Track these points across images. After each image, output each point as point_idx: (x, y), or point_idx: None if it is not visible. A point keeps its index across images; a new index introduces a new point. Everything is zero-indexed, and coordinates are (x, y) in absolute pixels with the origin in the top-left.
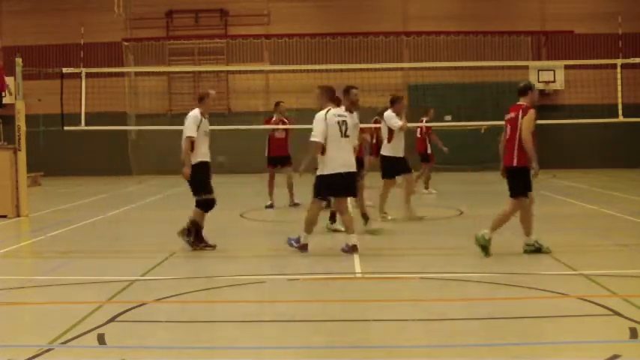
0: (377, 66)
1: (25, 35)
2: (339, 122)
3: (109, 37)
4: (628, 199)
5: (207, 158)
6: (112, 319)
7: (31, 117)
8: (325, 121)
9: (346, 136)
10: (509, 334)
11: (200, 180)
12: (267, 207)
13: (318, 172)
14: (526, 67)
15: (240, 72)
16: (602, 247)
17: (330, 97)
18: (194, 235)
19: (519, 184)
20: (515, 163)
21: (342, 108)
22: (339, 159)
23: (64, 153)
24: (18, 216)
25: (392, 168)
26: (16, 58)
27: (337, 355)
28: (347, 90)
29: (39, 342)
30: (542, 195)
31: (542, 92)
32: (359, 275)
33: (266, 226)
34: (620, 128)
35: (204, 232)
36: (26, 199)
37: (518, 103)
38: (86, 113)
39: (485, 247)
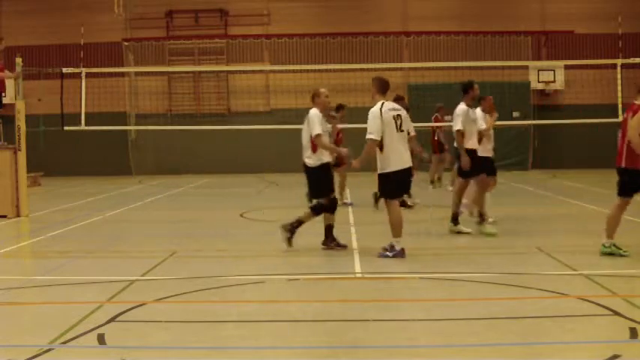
0: (377, 66)
1: (25, 35)
2: (394, 117)
3: (109, 37)
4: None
5: (329, 158)
6: (112, 319)
7: (31, 117)
8: (381, 117)
9: (401, 130)
10: (509, 334)
11: (325, 181)
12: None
13: (380, 171)
14: (526, 67)
15: (240, 72)
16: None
17: (382, 89)
18: (328, 236)
19: (624, 185)
20: (622, 164)
21: (397, 104)
22: (398, 155)
23: (64, 153)
24: (18, 216)
25: (478, 167)
26: (16, 58)
27: (337, 355)
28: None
29: (39, 342)
30: (542, 195)
31: (542, 92)
32: (359, 275)
33: (266, 226)
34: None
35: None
36: (26, 199)
37: (635, 102)
38: (86, 113)
39: (615, 251)
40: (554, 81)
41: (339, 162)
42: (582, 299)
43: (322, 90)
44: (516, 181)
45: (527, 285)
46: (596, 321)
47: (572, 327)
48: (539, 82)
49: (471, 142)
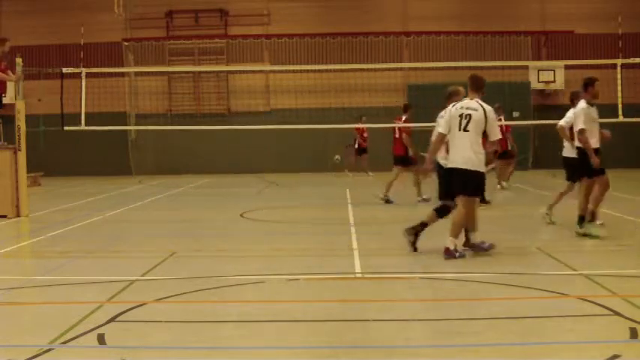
0: (377, 66)
1: (25, 35)
2: (461, 115)
3: (109, 37)
4: (628, 199)
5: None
6: (112, 319)
7: (31, 117)
8: (449, 113)
9: (465, 130)
10: (509, 334)
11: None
12: (421, 201)
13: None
14: (526, 67)
15: (240, 72)
16: (602, 247)
17: (473, 86)
18: (417, 232)
19: None
20: None
21: (474, 101)
22: (453, 153)
23: (64, 153)
24: (18, 216)
25: (575, 171)
26: (16, 58)
27: (337, 355)
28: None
29: (39, 342)
30: (542, 195)
31: (542, 92)
32: (359, 275)
33: (266, 226)
34: (620, 128)
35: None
36: (26, 199)
37: None
38: (86, 113)
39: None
40: (554, 81)
41: (412, 160)
42: (582, 299)
43: (460, 89)
44: (516, 181)
45: (527, 285)
46: (596, 321)
47: (572, 327)
48: (539, 82)
49: (594, 141)
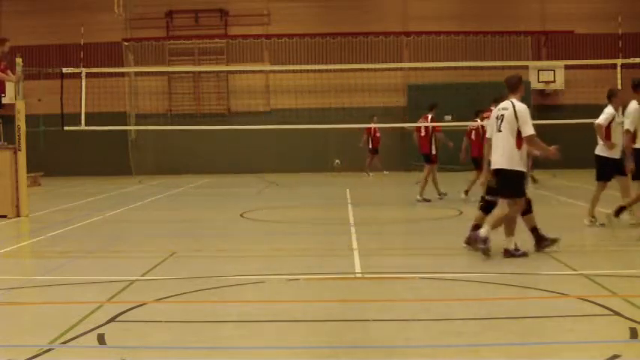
0: (377, 66)
1: (25, 35)
2: (497, 116)
3: (109, 37)
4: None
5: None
6: (112, 319)
7: (31, 117)
8: (491, 116)
9: (499, 130)
10: (509, 334)
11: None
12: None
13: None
14: (526, 67)
15: (240, 72)
16: (602, 247)
17: (510, 88)
18: (537, 238)
19: None
20: None
21: (508, 101)
22: (493, 154)
23: (64, 153)
24: (18, 216)
25: (605, 170)
26: (16, 58)
27: (337, 355)
28: None
29: (39, 342)
30: (542, 195)
31: (542, 92)
32: (359, 275)
33: (266, 226)
34: (620, 128)
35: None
36: (26, 199)
37: None
38: (86, 113)
39: None
40: (554, 81)
41: (434, 159)
42: (582, 299)
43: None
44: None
45: (527, 285)
46: (596, 321)
47: (572, 327)
48: (539, 82)
49: None
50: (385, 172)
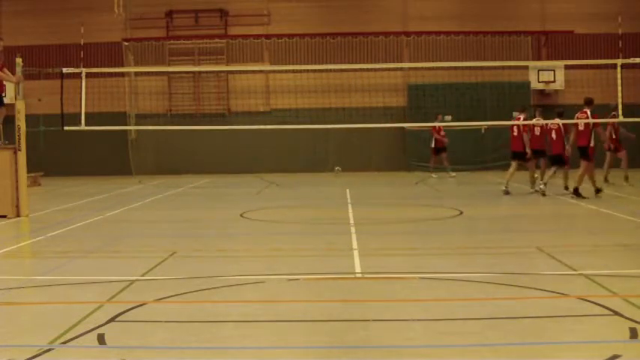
0: (377, 66)
1: (25, 35)
2: None
3: (109, 37)
4: (628, 199)
5: None
6: (112, 319)
7: (31, 117)
8: None
9: None
10: (509, 334)
11: None
12: (532, 192)
13: None
14: (526, 67)
15: (240, 72)
16: (602, 247)
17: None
18: None
19: None
20: None
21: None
22: None
23: (64, 153)
24: (18, 216)
25: None
26: (16, 58)
27: (337, 355)
28: None
29: (39, 342)
30: (546, 197)
31: (542, 92)
32: (359, 275)
33: (266, 226)
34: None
35: None
36: (26, 199)
37: None
38: (86, 113)
39: None
40: (554, 81)
41: (527, 156)
42: (582, 299)
43: None
44: (516, 181)
45: (527, 285)
46: (596, 321)
47: (572, 327)
48: (539, 82)
49: None
50: (452, 174)
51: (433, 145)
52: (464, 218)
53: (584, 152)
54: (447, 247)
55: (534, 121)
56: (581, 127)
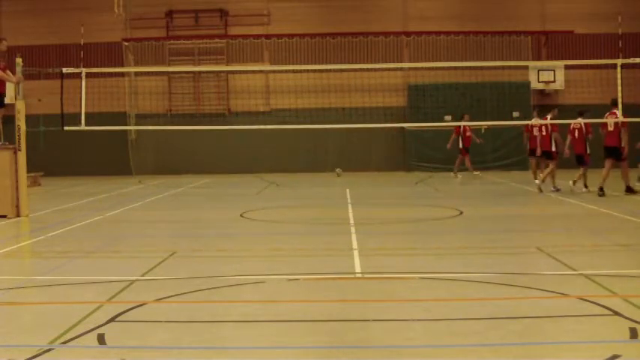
0: (377, 66)
1: (25, 35)
2: None
3: (109, 37)
4: (628, 199)
5: None
6: (112, 319)
7: (31, 117)
8: None
9: None
10: (509, 334)
11: None
12: (554, 190)
13: None
14: (526, 67)
15: (240, 72)
16: (602, 247)
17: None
18: None
19: None
20: None
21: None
22: None
23: (64, 153)
24: (18, 216)
25: None
26: (16, 58)
27: (337, 355)
28: None
29: (39, 342)
30: (543, 195)
31: (542, 92)
32: (359, 275)
33: (266, 226)
34: None
35: None
36: (26, 199)
37: None
38: (86, 113)
39: None
40: (554, 81)
41: (554, 155)
42: (582, 299)
43: None
44: (516, 181)
45: (527, 285)
46: (596, 321)
47: (572, 327)
48: (539, 82)
49: None
50: (476, 173)
51: (462, 145)
52: (464, 218)
53: (614, 152)
54: (447, 247)
55: (532, 121)
56: (610, 128)
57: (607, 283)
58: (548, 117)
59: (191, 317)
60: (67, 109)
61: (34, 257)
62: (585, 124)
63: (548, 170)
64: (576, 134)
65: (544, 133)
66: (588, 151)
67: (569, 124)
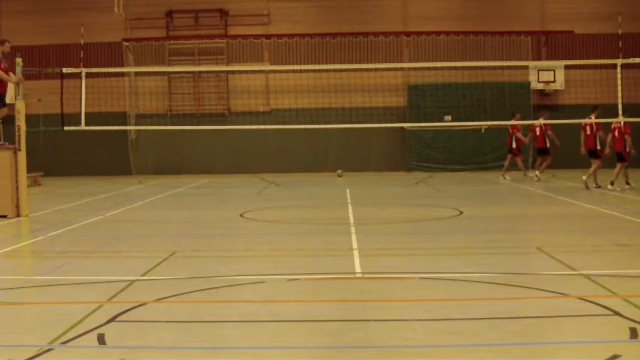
0: (377, 66)
1: (25, 35)
2: None
3: (109, 37)
4: (628, 199)
5: None
6: (112, 319)
7: (31, 117)
8: None
9: None
10: (509, 334)
11: None
12: (596, 187)
13: None
14: (526, 67)
15: (240, 72)
16: (602, 247)
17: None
18: None
19: None
20: None
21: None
22: None
23: (64, 153)
24: (18, 216)
25: None
26: (16, 58)
27: (337, 355)
28: None
29: (39, 342)
30: (543, 195)
31: (542, 92)
32: (359, 275)
33: (266, 226)
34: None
35: None
36: (26, 199)
37: None
38: (86, 113)
39: None
40: (554, 81)
41: (599, 154)
42: (582, 299)
43: None
44: (516, 181)
45: (527, 285)
46: (596, 321)
47: (572, 327)
48: (539, 82)
49: None
50: (531, 174)
51: (515, 145)
52: (464, 218)
53: (620, 156)
54: (447, 247)
55: (539, 121)
56: (587, 132)
57: (607, 283)
58: (592, 116)
59: (191, 317)
60: (67, 109)
61: (34, 257)
62: (625, 123)
63: (592, 168)
64: (616, 133)
65: (588, 133)
66: (627, 149)
67: (611, 122)
